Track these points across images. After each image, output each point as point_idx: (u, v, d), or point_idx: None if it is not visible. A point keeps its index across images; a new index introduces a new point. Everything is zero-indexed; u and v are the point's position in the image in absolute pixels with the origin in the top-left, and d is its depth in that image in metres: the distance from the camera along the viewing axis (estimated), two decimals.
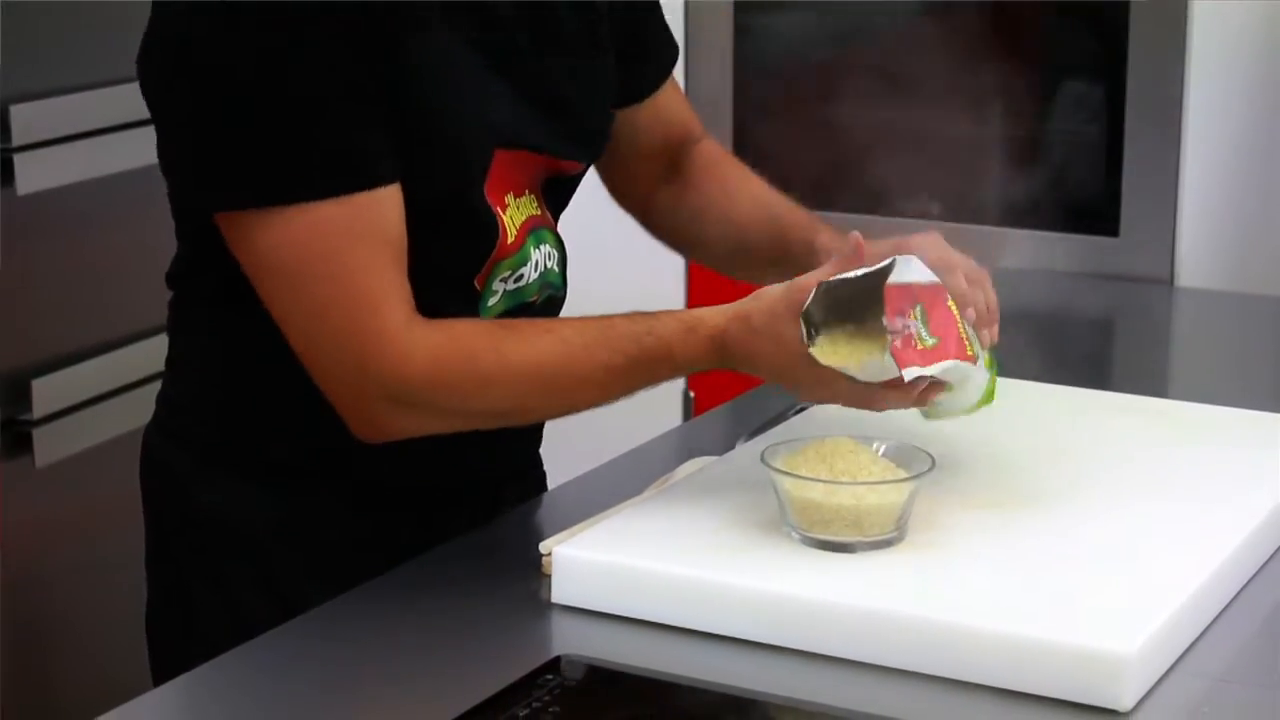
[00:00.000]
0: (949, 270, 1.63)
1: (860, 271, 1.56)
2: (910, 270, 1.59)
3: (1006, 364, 1.69)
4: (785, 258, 1.83)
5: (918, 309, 1.57)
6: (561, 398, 1.63)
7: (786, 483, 1.56)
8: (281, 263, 1.55)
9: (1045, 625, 1.43)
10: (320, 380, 1.58)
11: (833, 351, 1.57)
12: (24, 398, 2.56)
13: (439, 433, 1.62)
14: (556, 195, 1.77)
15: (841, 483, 1.56)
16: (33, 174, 2.52)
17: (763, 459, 1.57)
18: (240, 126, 1.51)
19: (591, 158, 1.78)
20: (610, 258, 2.68)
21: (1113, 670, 1.39)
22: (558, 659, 1.46)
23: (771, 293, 1.60)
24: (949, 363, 1.57)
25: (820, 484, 1.56)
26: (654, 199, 1.93)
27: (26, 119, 2.51)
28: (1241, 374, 2.35)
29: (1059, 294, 2.81)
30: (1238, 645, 1.53)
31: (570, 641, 1.51)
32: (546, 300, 1.74)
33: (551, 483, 1.89)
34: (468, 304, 1.66)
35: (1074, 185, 3.04)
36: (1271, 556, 1.67)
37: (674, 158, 1.93)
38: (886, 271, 1.55)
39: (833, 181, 3.13)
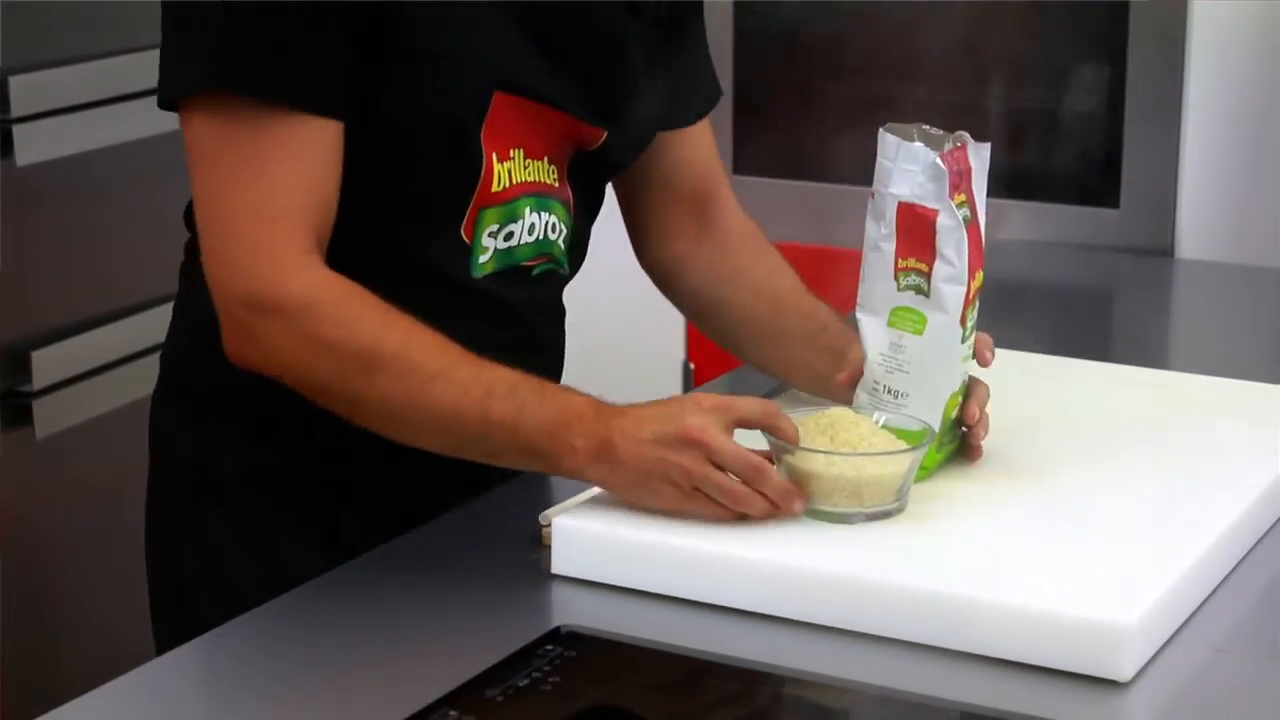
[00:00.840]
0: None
1: None
2: None
3: (1007, 336, 1.69)
4: (817, 341, 1.81)
5: None
6: (399, 408, 1.57)
7: (787, 454, 1.56)
8: (210, 151, 1.57)
9: (1045, 596, 1.43)
10: (206, 275, 1.59)
11: None
12: (23, 369, 2.56)
13: (278, 377, 1.59)
14: (586, 178, 1.75)
15: (842, 454, 1.56)
16: (32, 145, 2.52)
17: (763, 430, 1.57)
18: (209, 15, 1.54)
19: (614, 126, 1.73)
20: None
21: (1112, 641, 1.39)
22: (558, 629, 1.46)
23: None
24: None
25: (820, 455, 1.56)
26: (685, 255, 1.89)
27: (26, 90, 2.51)
28: (1241, 345, 2.35)
29: (1059, 266, 2.81)
30: (1237, 616, 1.53)
31: (570, 612, 1.51)
32: (545, 273, 1.73)
33: None
34: (459, 258, 1.65)
35: (1074, 157, 3.04)
36: (1271, 528, 1.67)
37: (703, 210, 1.89)
38: None
39: (833, 153, 3.13)
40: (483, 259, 1.67)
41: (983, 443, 1.68)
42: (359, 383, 1.56)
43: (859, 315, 1.66)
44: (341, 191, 1.59)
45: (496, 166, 1.64)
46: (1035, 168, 3.01)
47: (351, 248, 1.60)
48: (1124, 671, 1.39)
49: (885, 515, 1.56)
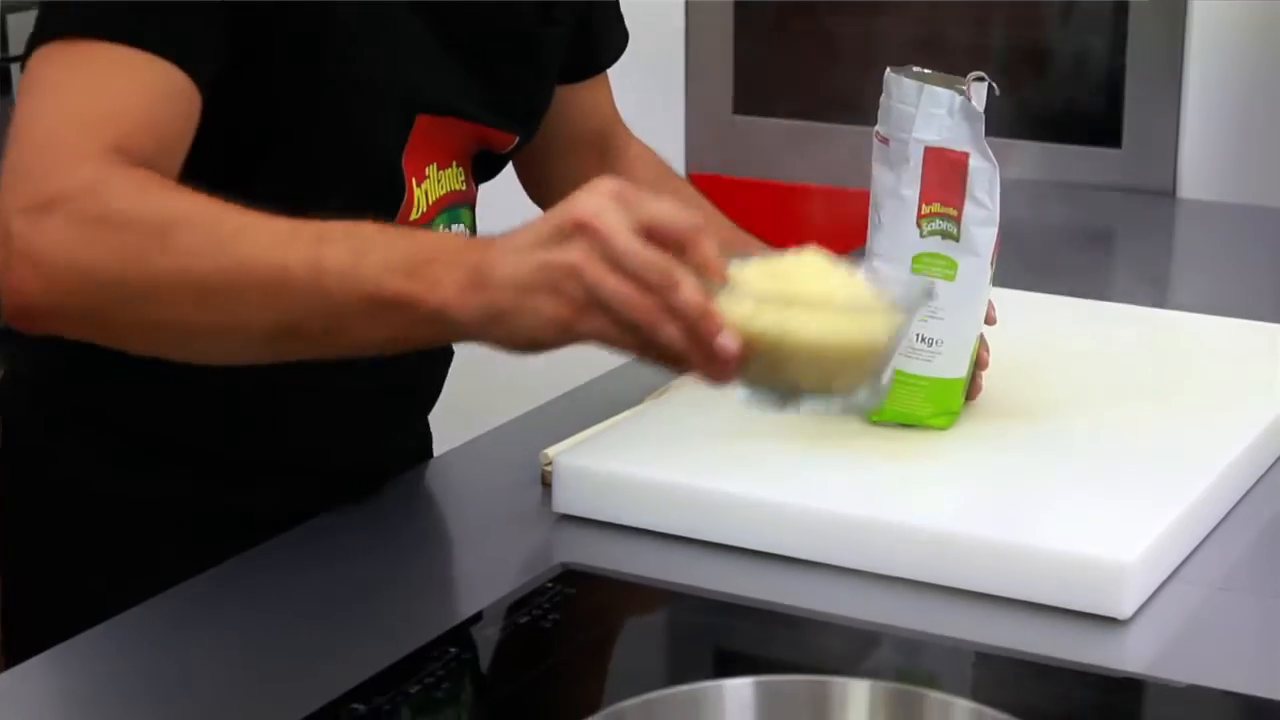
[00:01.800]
0: None
1: None
2: None
3: (1009, 275, 1.68)
4: None
5: None
6: (203, 274, 1.23)
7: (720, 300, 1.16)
8: (37, 79, 1.35)
9: (1045, 534, 1.43)
10: None
11: None
12: None
13: (59, 299, 1.26)
14: (485, 170, 1.67)
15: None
16: (27, 34, 2.51)
17: (677, 247, 1.15)
18: None
19: (528, 134, 1.66)
20: None
21: (1112, 578, 1.39)
22: (558, 568, 1.47)
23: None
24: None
25: (749, 300, 1.15)
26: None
27: (24, 29, 2.50)
28: (1243, 285, 2.35)
29: (1060, 204, 2.80)
30: (1237, 554, 1.53)
31: (571, 550, 1.52)
32: None
33: (545, 396, 1.86)
34: None
35: (1077, 97, 3.03)
36: (1271, 466, 1.67)
37: (604, 148, 1.84)
38: None
39: (833, 91, 3.12)
40: None
41: (983, 382, 1.68)
42: (154, 255, 1.23)
43: (877, 265, 1.62)
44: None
45: (415, 191, 1.53)
46: (1037, 107, 3.00)
47: None
48: (1124, 609, 1.39)
49: (841, 407, 1.20)
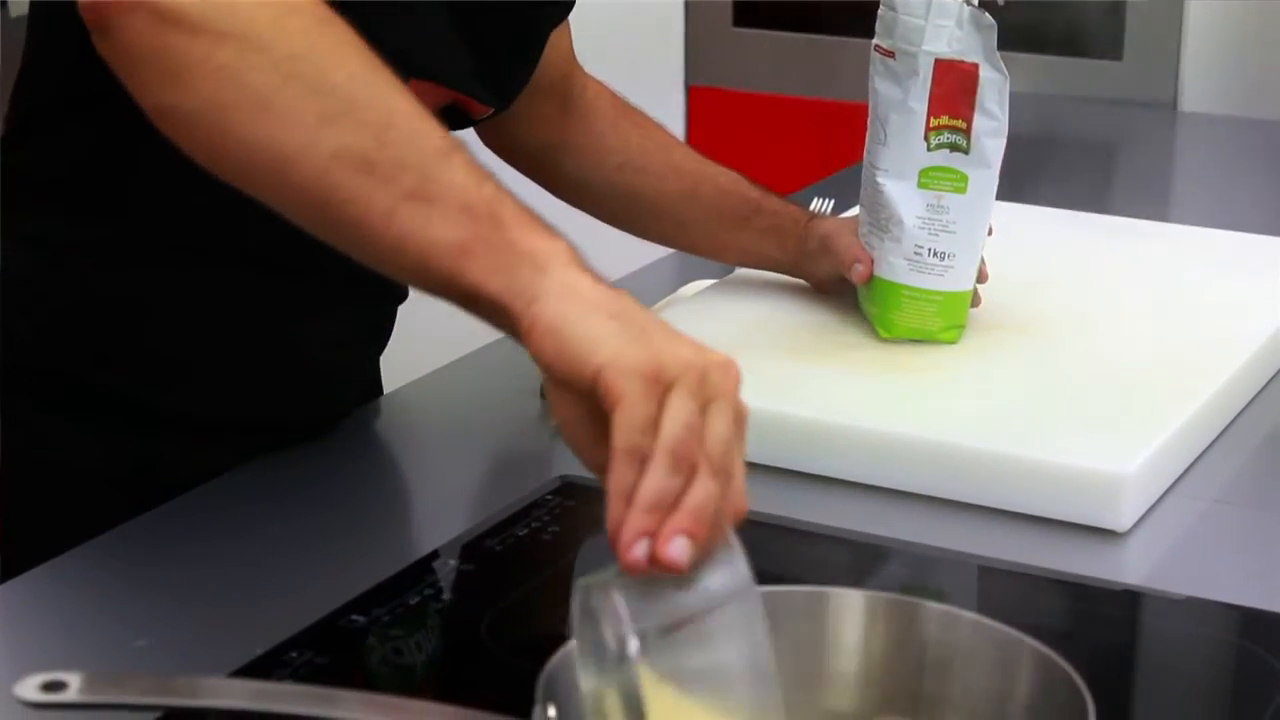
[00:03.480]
0: None
1: None
2: None
3: (1009, 188, 1.67)
4: (754, 220, 1.75)
5: None
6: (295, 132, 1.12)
7: None
8: None
9: (1043, 446, 1.43)
10: None
11: None
12: None
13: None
14: (452, 122, 1.59)
15: None
16: None
17: None
18: None
19: (504, 106, 1.62)
20: None
21: (1111, 491, 1.39)
22: (557, 480, 1.47)
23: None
24: None
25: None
26: (556, 142, 1.78)
27: None
28: (1243, 198, 2.34)
29: (1061, 118, 2.80)
30: (1235, 468, 1.53)
31: (570, 462, 1.50)
32: None
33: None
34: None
35: (1077, 9, 3.01)
36: (1271, 380, 1.67)
37: (565, 95, 1.79)
38: None
39: (833, 3, 3.10)
40: None
41: (983, 298, 1.67)
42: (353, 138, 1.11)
43: (881, 181, 1.62)
44: (230, 191, 1.16)
45: None
46: (1037, 20, 2.99)
47: (234, 243, 1.45)
48: (1122, 522, 1.39)
49: None
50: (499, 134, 1.77)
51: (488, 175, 1.11)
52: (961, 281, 1.61)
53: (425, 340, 1.92)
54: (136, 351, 1.49)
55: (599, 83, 1.84)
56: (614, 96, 1.84)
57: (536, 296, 1.04)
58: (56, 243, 1.49)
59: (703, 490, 0.99)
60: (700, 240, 1.79)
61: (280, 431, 1.56)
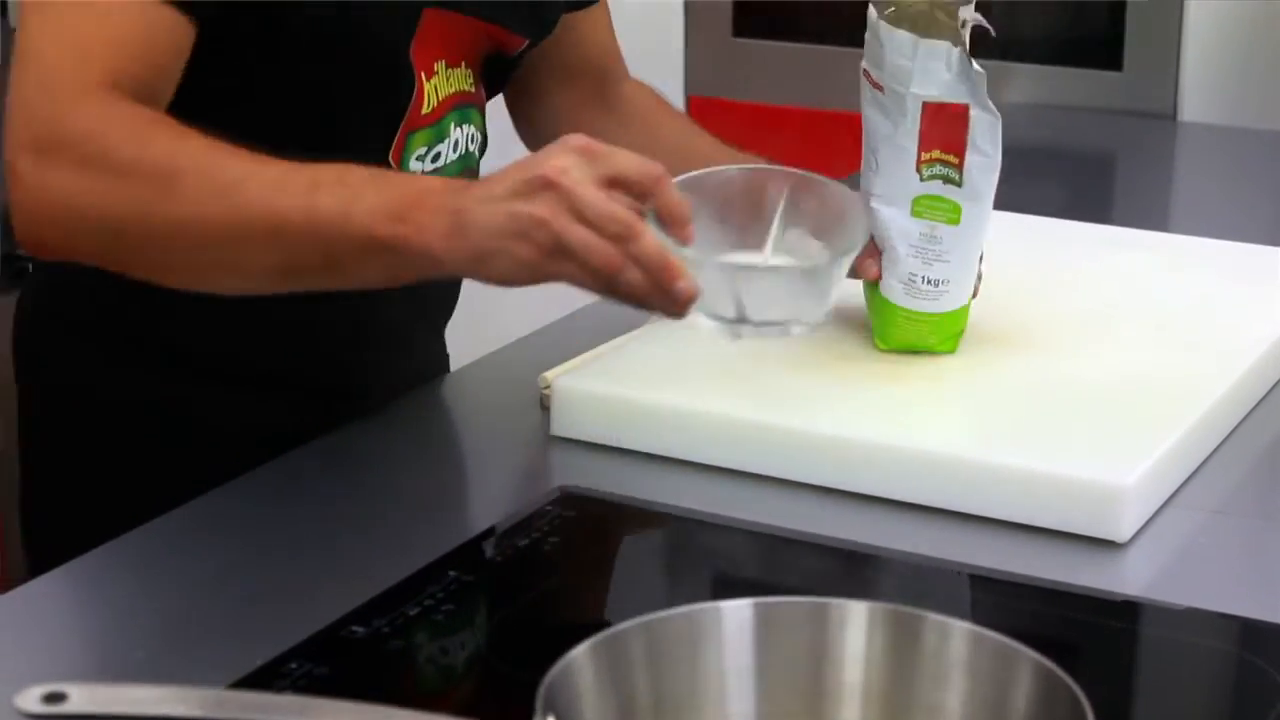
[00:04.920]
0: None
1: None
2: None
3: (1008, 199, 1.68)
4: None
5: None
6: (208, 222, 1.32)
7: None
8: (33, 9, 1.37)
9: (1044, 456, 1.43)
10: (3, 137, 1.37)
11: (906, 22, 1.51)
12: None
13: (73, 239, 1.36)
14: (494, 76, 1.67)
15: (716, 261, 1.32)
16: None
17: (643, 199, 1.29)
18: None
19: (537, 36, 1.66)
20: None
21: (1110, 501, 1.39)
22: (557, 491, 1.47)
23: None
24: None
25: (689, 252, 1.29)
26: (588, 131, 1.81)
27: None
28: (1243, 208, 2.34)
29: (1061, 128, 2.80)
30: (1235, 478, 1.53)
31: (570, 473, 1.52)
32: None
33: (541, 321, 1.86)
34: None
35: (1077, 19, 3.01)
36: (1270, 390, 1.67)
37: (601, 85, 1.81)
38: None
39: (833, 13, 3.10)
40: None
41: (983, 307, 1.67)
42: (163, 203, 1.30)
43: (875, 205, 1.60)
44: (261, 127, 1.38)
45: (425, 86, 1.54)
46: (1037, 29, 2.99)
47: None
48: (1122, 532, 1.39)
49: (785, 331, 1.36)
50: (532, 123, 1.79)
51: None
52: (955, 302, 1.61)
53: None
54: (206, 308, 1.50)
55: (639, 82, 1.84)
56: (652, 95, 1.84)
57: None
58: None
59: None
60: None
61: (347, 398, 1.61)
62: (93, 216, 1.33)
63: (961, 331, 1.63)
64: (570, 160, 1.25)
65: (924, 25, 1.54)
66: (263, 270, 1.33)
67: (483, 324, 2.03)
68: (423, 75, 1.54)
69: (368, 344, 1.65)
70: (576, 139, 1.27)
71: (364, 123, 1.53)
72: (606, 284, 1.25)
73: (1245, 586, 1.36)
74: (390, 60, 1.51)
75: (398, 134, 1.54)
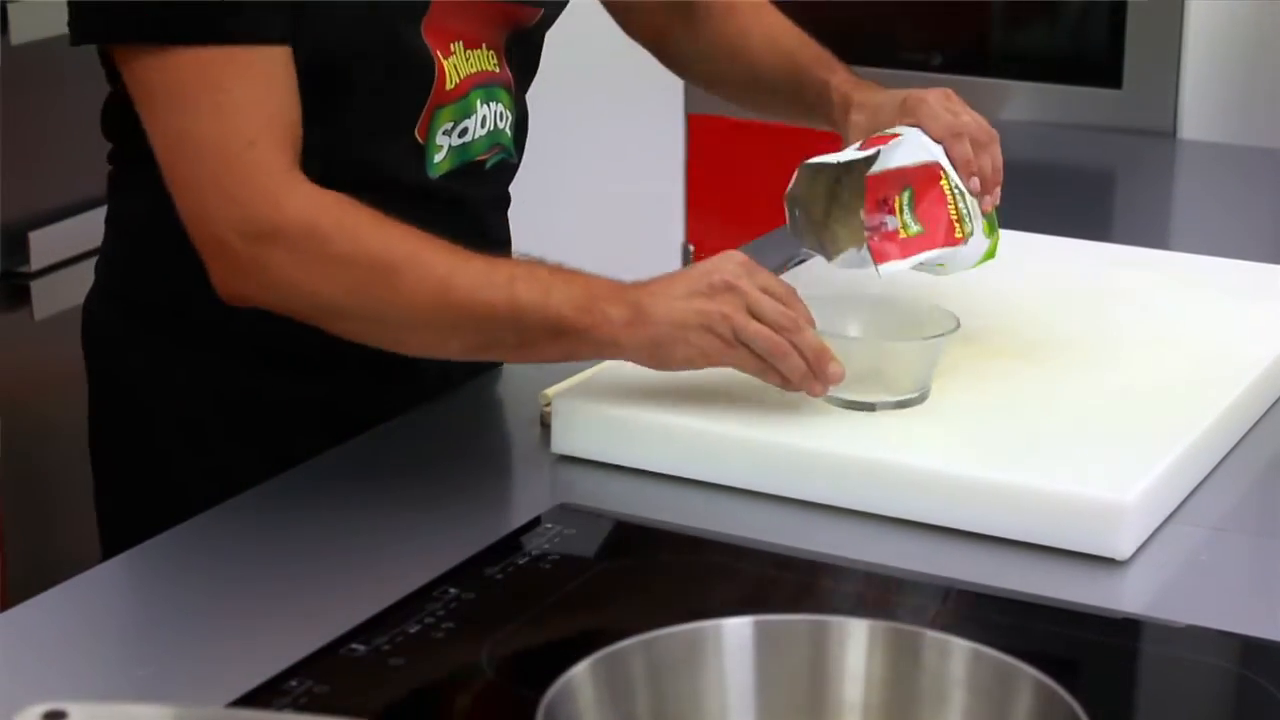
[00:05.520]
0: (955, 136, 1.62)
1: (842, 157, 1.56)
2: (902, 151, 1.58)
3: (1008, 217, 1.68)
4: (799, 97, 1.83)
5: (905, 194, 1.56)
6: (416, 320, 1.50)
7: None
8: (163, 94, 1.50)
9: (1044, 474, 1.43)
10: (186, 219, 1.51)
11: (812, 234, 1.58)
12: (21, 250, 2.55)
13: (284, 308, 1.52)
14: (522, 56, 1.71)
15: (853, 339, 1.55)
16: (27, 24, 2.50)
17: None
18: None
19: (555, 7, 1.71)
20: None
21: (1111, 519, 1.39)
22: (557, 508, 1.47)
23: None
24: (932, 252, 1.57)
25: (839, 340, 1.53)
26: (667, 37, 1.91)
27: (27, 17, 2.48)
28: (1242, 226, 2.34)
29: (1060, 146, 2.80)
30: (1236, 495, 1.53)
31: (570, 490, 1.52)
32: (498, 164, 1.70)
33: None
34: (414, 160, 1.62)
35: (1077, 37, 3.02)
36: (1270, 408, 1.67)
37: (686, 12, 1.90)
38: (870, 161, 1.55)
39: (835, 32, 3.10)
40: (438, 158, 1.63)
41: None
42: (381, 292, 1.48)
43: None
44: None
45: (444, 64, 1.60)
46: (1037, 47, 2.99)
47: (302, 161, 1.53)
48: (1122, 550, 1.39)
49: (906, 405, 1.55)
50: (622, 17, 1.91)
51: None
52: (969, 262, 1.64)
53: None
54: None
55: None
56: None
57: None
58: None
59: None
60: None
61: (406, 379, 1.68)
62: (307, 294, 1.49)
63: (994, 251, 1.66)
64: (740, 270, 1.49)
65: (830, 235, 1.62)
66: (462, 348, 1.54)
67: None
68: (439, 54, 1.59)
69: None
70: (736, 255, 1.51)
71: (391, 101, 1.59)
72: (770, 369, 1.49)
73: (1246, 604, 1.36)
74: (405, 43, 1.57)
75: (424, 110, 1.60)
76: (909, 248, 1.57)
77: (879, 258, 1.56)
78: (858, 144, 1.62)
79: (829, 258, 1.61)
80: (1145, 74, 2.88)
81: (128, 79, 1.53)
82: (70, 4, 1.55)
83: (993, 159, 1.65)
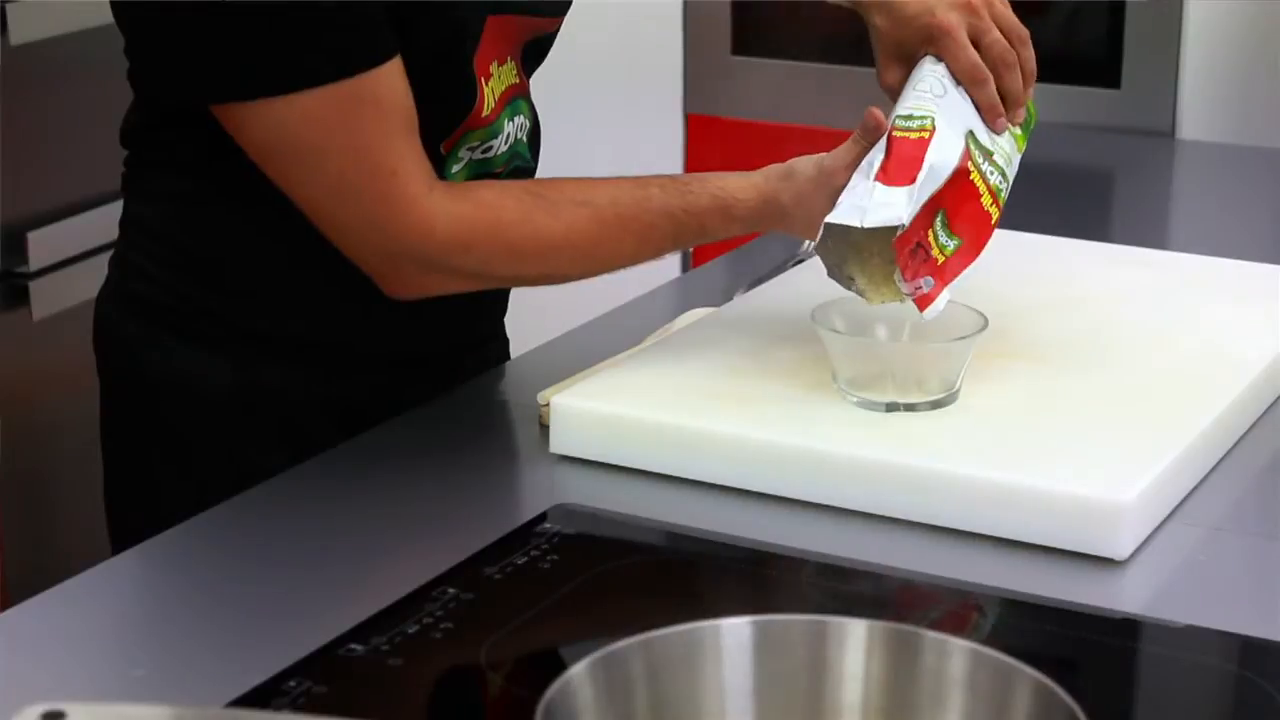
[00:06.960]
0: (979, 84, 1.59)
1: (868, 225, 1.49)
2: (926, 180, 1.51)
3: (1007, 217, 1.68)
4: None
5: (938, 219, 1.52)
6: (592, 266, 1.63)
7: (839, 343, 1.56)
8: (291, 145, 1.50)
9: (1042, 474, 1.43)
10: (350, 252, 1.56)
11: (851, 284, 1.55)
12: (20, 250, 2.55)
13: (472, 290, 1.63)
14: (533, 56, 1.72)
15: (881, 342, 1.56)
16: (26, 24, 2.50)
17: (814, 318, 1.56)
18: (230, 16, 1.44)
19: (565, 10, 1.72)
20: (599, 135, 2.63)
21: (1110, 518, 1.39)
22: (556, 508, 1.47)
23: (803, 171, 1.59)
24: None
25: (868, 343, 1.55)
26: None
27: (25, 18, 2.49)
28: (1242, 226, 2.34)
29: (1059, 146, 2.79)
30: (1235, 495, 1.53)
31: (568, 491, 1.52)
32: (513, 172, 1.70)
33: (549, 334, 1.87)
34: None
35: (1075, 37, 3.02)
36: (1270, 407, 1.67)
37: None
38: (893, 230, 1.49)
39: (832, 31, 3.11)
40: (455, 169, 1.63)
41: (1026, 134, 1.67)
42: (562, 265, 1.61)
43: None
44: None
45: (485, 90, 1.61)
46: (1035, 47, 2.99)
47: None
48: (1121, 550, 1.39)
49: (939, 405, 1.55)
50: None
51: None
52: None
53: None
54: (277, 289, 1.63)
55: None
56: None
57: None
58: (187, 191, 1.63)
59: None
60: None
61: (415, 369, 1.70)
62: (496, 280, 1.65)
63: (1023, 148, 1.65)
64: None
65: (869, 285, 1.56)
66: (653, 253, 1.64)
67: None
68: (482, 81, 1.60)
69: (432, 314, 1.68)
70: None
71: (424, 122, 1.56)
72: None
73: (1245, 604, 1.36)
74: (456, 74, 1.58)
75: (455, 131, 1.61)
76: (949, 270, 1.53)
77: (921, 305, 1.53)
78: (876, 180, 1.53)
79: (870, 302, 1.57)
80: (1144, 74, 2.88)
81: (239, 131, 1.51)
82: (179, 63, 1.51)
83: (1025, 66, 1.62)
